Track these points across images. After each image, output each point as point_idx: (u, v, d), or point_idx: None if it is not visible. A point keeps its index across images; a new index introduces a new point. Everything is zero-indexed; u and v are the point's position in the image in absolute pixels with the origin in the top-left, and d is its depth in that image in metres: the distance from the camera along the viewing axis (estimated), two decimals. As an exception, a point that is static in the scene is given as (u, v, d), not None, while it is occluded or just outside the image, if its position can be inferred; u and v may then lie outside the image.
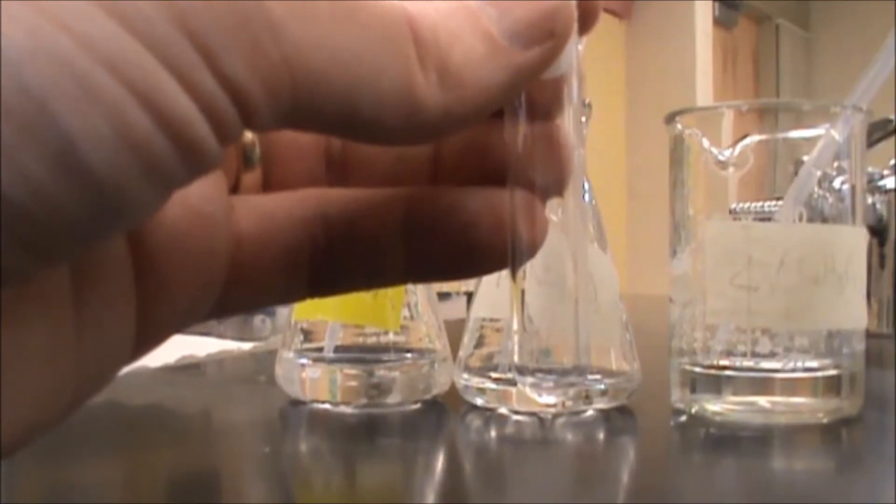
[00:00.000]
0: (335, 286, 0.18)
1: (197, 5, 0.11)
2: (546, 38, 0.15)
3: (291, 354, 0.42)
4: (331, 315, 0.41)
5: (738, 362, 0.37)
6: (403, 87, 0.13)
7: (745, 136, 0.38)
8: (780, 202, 0.37)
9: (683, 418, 0.39)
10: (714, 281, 0.37)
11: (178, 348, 0.57)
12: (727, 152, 0.38)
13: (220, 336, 0.67)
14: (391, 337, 0.42)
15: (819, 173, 0.37)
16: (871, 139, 0.46)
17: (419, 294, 0.43)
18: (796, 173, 0.38)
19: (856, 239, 0.38)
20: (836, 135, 0.37)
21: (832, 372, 0.37)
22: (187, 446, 0.37)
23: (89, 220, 0.11)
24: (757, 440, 0.36)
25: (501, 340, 0.41)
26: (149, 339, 0.16)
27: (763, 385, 0.37)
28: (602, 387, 0.39)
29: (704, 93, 2.86)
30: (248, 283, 0.17)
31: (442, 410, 0.41)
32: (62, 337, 0.14)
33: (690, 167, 0.40)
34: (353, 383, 0.40)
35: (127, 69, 0.11)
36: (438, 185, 0.18)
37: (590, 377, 0.38)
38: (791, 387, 0.37)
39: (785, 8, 3.59)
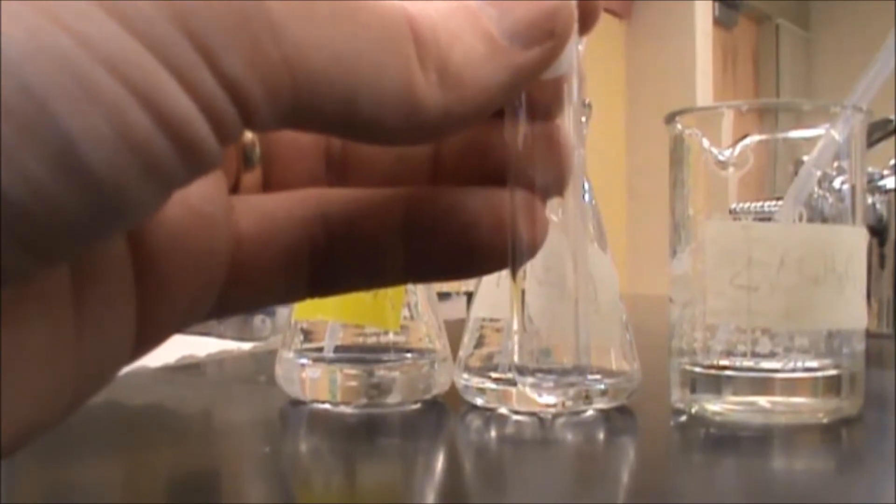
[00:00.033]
0: (335, 286, 0.18)
1: (197, 5, 0.11)
2: (546, 38, 0.15)
3: (291, 354, 0.42)
4: (331, 315, 0.41)
5: (738, 362, 0.37)
6: (403, 87, 0.13)
7: (745, 136, 0.38)
8: (780, 202, 0.37)
9: (683, 418, 0.39)
10: (714, 281, 0.37)
11: (178, 348, 0.57)
12: (727, 152, 0.38)
13: (220, 336, 0.67)
14: (391, 337, 0.42)
15: (819, 173, 0.37)
16: (871, 139, 0.46)
17: (419, 294, 0.43)
18: (796, 173, 0.38)
19: (856, 239, 0.38)
20: (836, 135, 0.37)
21: (832, 372, 0.37)
22: (187, 446, 0.37)
23: (89, 220, 0.11)
24: (757, 440, 0.36)
25: (501, 340, 0.41)
26: (149, 339, 0.16)
27: (763, 385, 0.37)
28: (602, 387, 0.39)
29: (704, 93, 2.86)
30: (248, 283, 0.17)
31: (442, 410, 0.41)
32: (62, 337, 0.14)
33: (690, 167, 0.40)
34: (353, 383, 0.40)
35: (127, 69, 0.11)
36: (438, 185, 0.18)
37: (590, 377, 0.38)
38: (791, 387, 0.37)
39: (785, 8, 3.59)
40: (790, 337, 0.37)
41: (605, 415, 0.39)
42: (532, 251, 0.17)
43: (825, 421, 0.37)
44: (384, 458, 0.35)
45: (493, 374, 0.40)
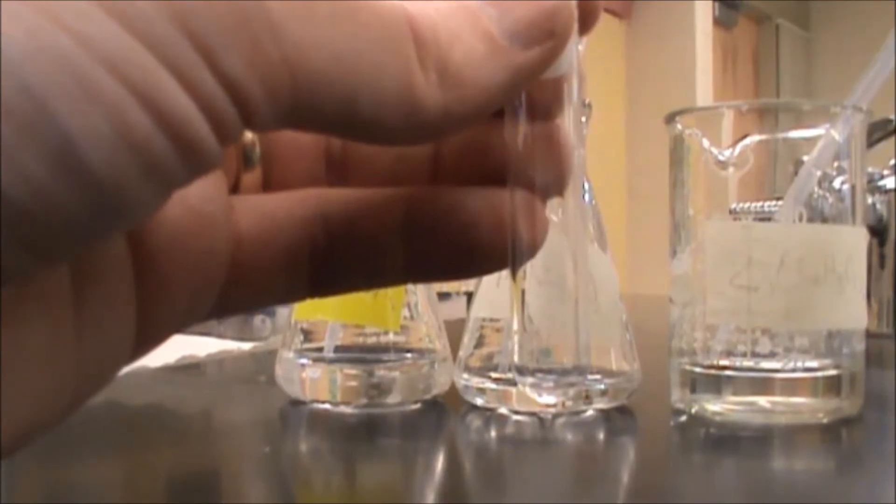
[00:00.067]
0: (335, 286, 0.18)
1: (197, 5, 0.11)
2: (546, 37, 0.15)
3: (291, 354, 0.42)
4: (331, 315, 0.41)
5: (738, 362, 0.37)
6: (403, 87, 0.13)
7: (745, 136, 0.38)
8: (780, 202, 0.37)
9: (683, 418, 0.39)
10: (714, 281, 0.37)
11: (178, 348, 0.57)
12: (727, 152, 0.38)
13: (220, 336, 0.67)
14: (391, 337, 0.42)
15: (819, 173, 0.37)
16: (871, 139, 0.46)
17: (419, 294, 0.43)
18: (796, 173, 0.38)
19: (856, 239, 0.38)
20: (836, 135, 0.37)
21: (832, 372, 0.37)
22: (187, 446, 0.37)
23: (89, 220, 0.11)
24: (757, 440, 0.36)
25: (501, 340, 0.41)
26: (149, 339, 0.16)
27: (763, 385, 0.37)
28: (602, 387, 0.39)
29: (704, 93, 2.86)
30: (248, 283, 0.17)
31: (442, 410, 0.41)
32: (62, 337, 0.14)
33: (690, 167, 0.40)
34: (353, 383, 0.40)
35: (127, 69, 0.11)
36: (438, 185, 0.18)
37: (590, 377, 0.38)
38: (791, 387, 0.37)
39: (785, 8, 3.59)
40: (790, 337, 0.37)
41: (605, 415, 0.39)
42: (532, 251, 0.17)
43: (825, 421, 0.37)
44: (384, 458, 0.35)
45: (493, 374, 0.40)
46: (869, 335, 0.39)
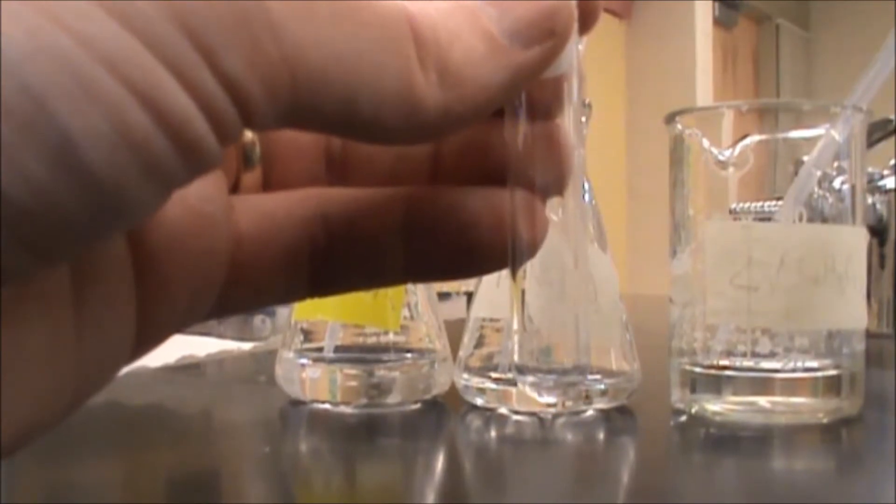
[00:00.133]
0: (335, 286, 0.18)
1: (197, 5, 0.11)
2: (546, 37, 0.15)
3: (291, 354, 0.42)
4: (331, 315, 0.41)
5: (738, 362, 0.37)
6: (403, 87, 0.13)
7: (745, 136, 0.38)
8: (780, 202, 0.37)
9: (683, 418, 0.39)
10: (714, 281, 0.37)
11: (178, 348, 0.57)
12: (727, 152, 0.38)
13: (220, 336, 0.67)
14: (391, 337, 0.42)
15: (819, 173, 0.37)
16: (871, 139, 0.46)
17: (419, 294, 0.43)
18: (796, 173, 0.38)
19: (856, 239, 0.38)
20: (836, 135, 0.37)
21: (832, 372, 0.37)
22: (187, 446, 0.37)
23: (89, 220, 0.11)
24: (757, 440, 0.36)
25: (501, 340, 0.41)
26: (149, 339, 0.16)
27: (763, 385, 0.37)
28: (602, 387, 0.39)
29: (704, 93, 2.86)
30: (248, 283, 0.17)
31: (442, 410, 0.41)
32: (62, 337, 0.14)
33: (690, 167, 0.40)
34: (353, 383, 0.40)
35: (127, 68, 0.11)
36: (438, 185, 0.18)
37: (590, 377, 0.38)
38: (791, 387, 0.37)
39: (785, 8, 3.59)
40: (790, 337, 0.37)
41: (605, 415, 0.39)
42: (532, 251, 0.17)
43: (825, 421, 0.37)
44: (384, 458, 0.35)
45: (493, 374, 0.40)
46: (869, 335, 0.39)
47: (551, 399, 0.36)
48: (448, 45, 0.14)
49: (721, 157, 0.38)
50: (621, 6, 2.90)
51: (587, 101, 0.40)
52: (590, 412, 0.39)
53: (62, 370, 0.14)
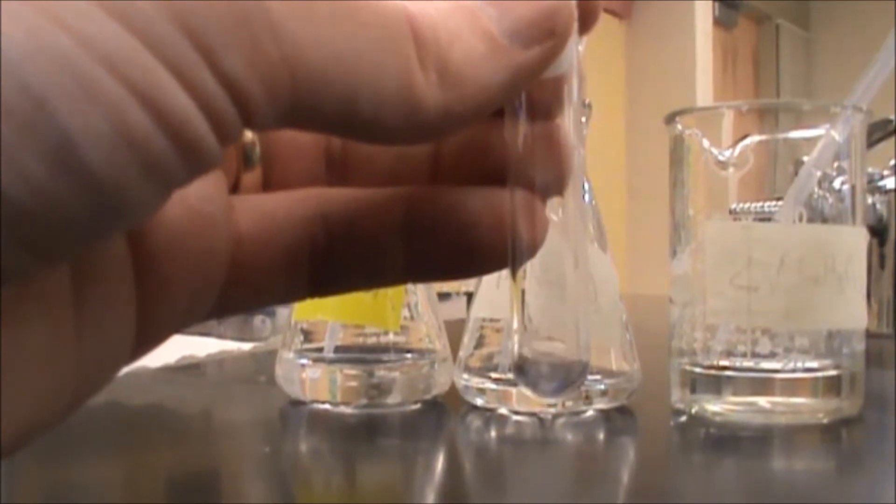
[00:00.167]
0: (335, 286, 0.18)
1: (197, 5, 0.11)
2: (546, 37, 0.15)
3: (291, 355, 0.42)
4: (331, 315, 0.41)
5: (738, 362, 0.37)
6: (403, 87, 0.13)
7: (745, 137, 0.38)
8: (780, 202, 0.37)
9: (683, 418, 0.39)
10: (714, 281, 0.37)
11: (178, 348, 0.57)
12: (727, 152, 0.38)
13: (220, 336, 0.67)
14: (391, 337, 0.42)
15: (819, 173, 0.37)
16: (871, 139, 0.46)
17: (419, 294, 0.43)
18: (796, 173, 0.38)
19: (856, 239, 0.38)
20: (836, 135, 0.37)
21: (832, 372, 0.37)
22: (187, 446, 0.37)
23: (89, 220, 0.11)
24: (757, 440, 0.36)
25: (501, 340, 0.41)
26: (149, 339, 0.16)
27: (763, 385, 0.37)
28: (602, 387, 0.39)
29: (704, 93, 2.86)
30: (248, 283, 0.17)
31: (442, 411, 0.41)
32: (62, 337, 0.14)
33: (690, 167, 0.40)
34: (353, 383, 0.40)
35: (126, 68, 0.11)
36: (438, 185, 0.18)
37: (590, 377, 0.38)
38: (791, 387, 0.37)
39: (785, 8, 3.59)
40: (790, 337, 0.37)
41: (605, 415, 0.39)
42: (532, 251, 0.17)
43: (825, 421, 0.37)
44: (384, 459, 0.35)
45: (493, 375, 0.40)
46: (869, 335, 0.39)
47: (551, 399, 0.36)
48: (448, 45, 0.14)
49: (721, 158, 0.38)
50: (621, 6, 2.90)
51: (587, 101, 0.40)
52: (590, 412, 0.39)
53: (62, 370, 0.14)
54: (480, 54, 0.14)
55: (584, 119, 0.41)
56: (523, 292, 0.17)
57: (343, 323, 0.42)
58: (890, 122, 0.65)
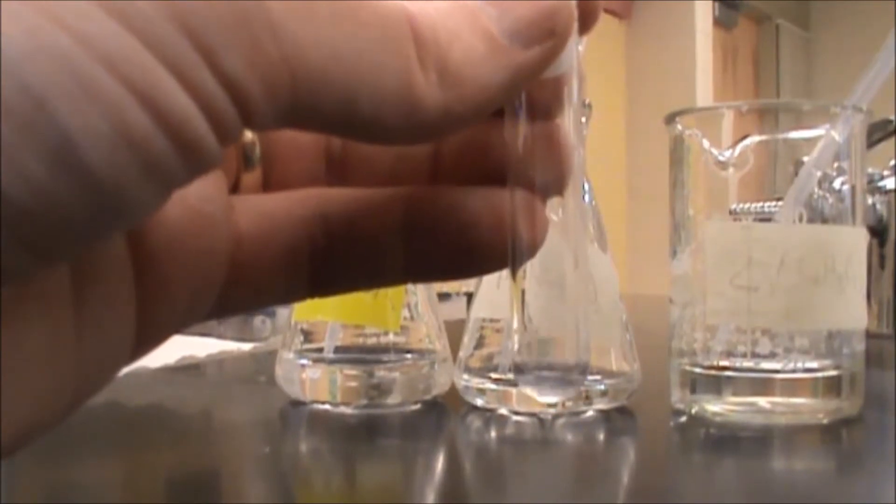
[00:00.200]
0: (335, 286, 0.18)
1: (197, 4, 0.11)
2: (546, 37, 0.15)
3: (291, 355, 0.42)
4: (331, 315, 0.41)
5: (738, 363, 0.37)
6: (403, 86, 0.13)
7: (745, 137, 0.38)
8: (780, 202, 0.37)
9: (683, 419, 0.39)
10: (714, 281, 0.37)
11: (178, 348, 0.57)
12: (727, 153, 0.38)
13: (220, 336, 0.66)
14: (391, 337, 0.42)
15: (819, 174, 0.37)
16: (871, 140, 0.46)
17: (419, 294, 0.43)
18: (796, 174, 0.38)
19: (856, 239, 0.38)
20: (836, 135, 0.37)
21: (832, 372, 0.37)
22: (187, 446, 0.37)
23: (89, 220, 0.11)
24: (757, 440, 0.36)
25: (501, 341, 0.41)
26: (149, 339, 0.16)
27: (763, 385, 0.37)
28: (602, 387, 0.39)
29: (704, 93, 2.86)
30: (248, 283, 0.17)
31: (442, 411, 0.41)
32: (62, 337, 0.14)
33: (690, 167, 0.40)
34: (354, 384, 0.40)
35: (126, 68, 0.11)
36: (438, 185, 0.18)
37: (590, 377, 0.38)
38: (791, 387, 0.37)
39: (785, 8, 3.60)
40: (790, 337, 0.37)
41: (605, 415, 0.39)
42: (532, 251, 0.17)
43: (825, 421, 0.37)
44: (384, 459, 0.35)
45: (494, 375, 0.40)
46: (869, 335, 0.39)
47: (551, 399, 0.36)
48: (448, 45, 0.14)
49: (721, 158, 0.38)
50: (621, 6, 2.90)
51: (587, 102, 0.40)
52: (590, 412, 0.39)
53: (62, 370, 0.14)
54: (480, 54, 0.14)
55: (584, 119, 0.41)
56: (523, 292, 0.17)
57: (343, 323, 0.42)
58: (890, 122, 0.65)
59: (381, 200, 0.18)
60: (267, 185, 0.18)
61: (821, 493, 0.30)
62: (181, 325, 0.17)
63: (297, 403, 0.42)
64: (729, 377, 0.37)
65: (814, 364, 0.37)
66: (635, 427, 0.39)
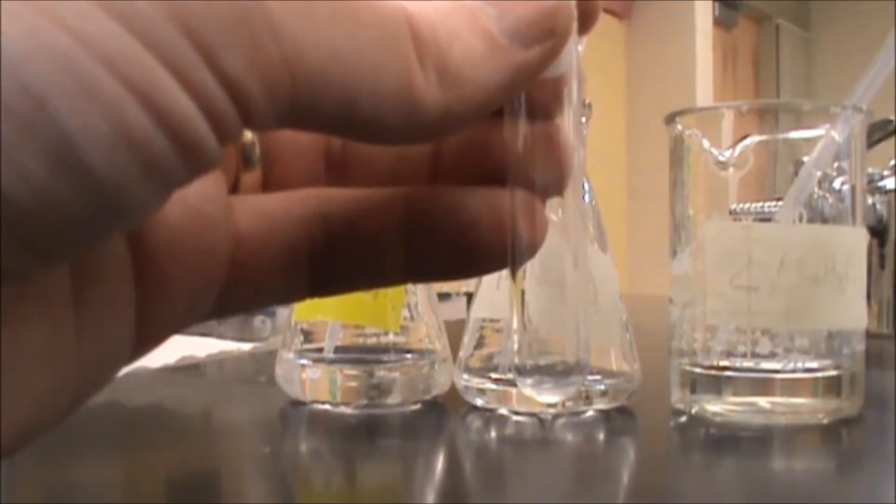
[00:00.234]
0: (335, 286, 0.18)
1: (197, 4, 0.11)
2: (546, 37, 0.15)
3: (291, 355, 0.42)
4: (331, 315, 0.41)
5: (738, 363, 0.37)
6: (403, 86, 0.13)
7: (745, 137, 0.38)
8: (780, 203, 0.37)
9: (683, 419, 0.39)
10: (714, 281, 0.37)
11: (178, 348, 0.57)
12: (727, 153, 0.38)
13: (220, 336, 0.66)
14: (391, 337, 0.42)
15: (819, 174, 0.37)
16: (871, 140, 0.46)
17: (419, 294, 0.43)
18: (796, 174, 0.38)
19: (856, 239, 0.38)
20: (836, 135, 0.37)
21: (832, 372, 0.37)
22: (187, 446, 0.37)
23: (89, 219, 0.11)
24: (757, 440, 0.36)
25: (501, 341, 0.41)
26: (149, 339, 0.16)
27: (763, 385, 0.37)
28: (602, 387, 0.39)
29: (704, 93, 2.86)
30: (248, 283, 0.17)
31: (442, 411, 0.41)
32: (62, 337, 0.14)
33: (690, 167, 0.40)
34: (354, 384, 0.40)
35: (126, 68, 0.11)
36: (438, 185, 0.18)
37: (590, 378, 0.38)
38: (791, 387, 0.37)
39: (785, 8, 3.60)
40: (790, 337, 0.37)
41: (605, 415, 0.39)
42: (532, 251, 0.17)
43: (825, 421, 0.37)
44: (384, 459, 0.35)
45: (494, 375, 0.40)
46: (869, 335, 0.39)
47: (551, 398, 0.36)
48: (447, 45, 0.14)
49: (721, 158, 0.38)
50: (621, 6, 2.90)
51: (587, 102, 0.40)
52: (590, 413, 0.39)
53: (62, 370, 0.14)
54: (480, 54, 0.14)
55: (584, 119, 0.41)
56: (523, 292, 0.17)
57: (343, 323, 0.42)
58: (890, 122, 0.65)
59: (380, 200, 0.18)
60: (267, 186, 0.18)
61: (821, 493, 0.30)
62: (181, 325, 0.17)
63: (297, 403, 0.42)
64: (729, 377, 0.37)
65: (814, 364, 0.37)
66: (635, 427, 0.39)
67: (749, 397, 0.37)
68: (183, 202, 0.15)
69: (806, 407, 0.37)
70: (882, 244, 0.69)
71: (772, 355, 0.37)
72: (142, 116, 0.11)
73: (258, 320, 0.72)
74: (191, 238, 0.16)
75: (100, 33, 0.11)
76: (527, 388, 0.18)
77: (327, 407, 0.40)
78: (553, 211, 0.17)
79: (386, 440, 0.38)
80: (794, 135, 0.39)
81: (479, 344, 0.41)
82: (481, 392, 0.40)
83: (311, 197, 0.18)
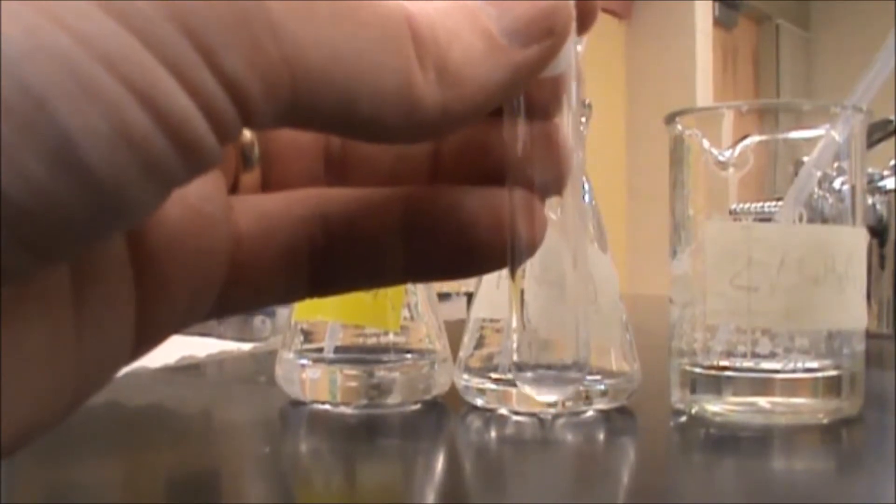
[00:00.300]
0: (335, 286, 0.18)
1: (197, 4, 0.11)
2: (545, 36, 0.15)
3: (291, 355, 0.42)
4: (331, 315, 0.41)
5: (738, 363, 0.37)
6: (402, 86, 0.13)
7: (745, 137, 0.38)
8: (780, 203, 0.37)
9: (683, 419, 0.39)
10: (714, 281, 0.37)
11: (178, 348, 0.57)
12: (727, 153, 0.38)
13: (220, 336, 0.66)
14: (391, 337, 0.42)
15: (819, 174, 0.37)
16: (871, 140, 0.46)
17: (419, 294, 0.43)
18: (796, 174, 0.38)
19: (856, 239, 0.38)
20: (836, 135, 0.37)
21: (832, 372, 0.37)
22: (187, 446, 0.37)
23: (89, 219, 0.11)
24: (757, 440, 0.36)
25: (501, 341, 0.41)
26: (149, 339, 0.16)
27: (763, 386, 0.37)
28: (602, 387, 0.39)
29: (704, 93, 2.87)
30: (248, 283, 0.17)
31: (442, 411, 0.41)
32: (62, 337, 0.14)
33: (690, 167, 0.40)
34: (353, 384, 0.40)
35: (126, 67, 0.11)
36: (438, 185, 0.18)
37: (590, 378, 0.38)
38: (791, 387, 0.37)
39: (785, 8, 3.60)
40: (790, 337, 0.37)
41: (605, 415, 0.39)
42: (531, 250, 0.17)
43: (825, 421, 0.37)
44: (384, 459, 0.35)
45: (494, 375, 0.40)
46: (869, 335, 0.39)
47: (551, 398, 0.36)
48: (447, 44, 0.14)
49: (721, 158, 0.38)
50: (621, 6, 2.90)
51: (587, 102, 0.40)
52: (590, 412, 0.39)
53: (62, 370, 0.14)
54: (479, 53, 0.14)
55: (584, 119, 0.41)
56: (522, 292, 0.17)
57: (343, 323, 0.42)
58: (890, 122, 0.65)
59: (380, 200, 0.18)
60: (266, 185, 0.18)
61: (821, 493, 0.30)
62: (181, 325, 0.17)
63: (297, 403, 0.42)
64: (729, 377, 0.37)
65: (814, 364, 0.37)
66: (635, 427, 0.39)
67: (749, 397, 0.37)
68: (183, 202, 0.15)
69: (806, 407, 0.37)
70: (882, 244, 0.69)
71: (772, 355, 0.37)
72: (141, 116, 0.11)
73: (258, 320, 0.72)
74: (191, 238, 0.16)
75: (99, 33, 0.11)
76: (526, 387, 0.18)
77: (327, 407, 0.40)
78: (552, 210, 0.17)
79: (386, 440, 0.38)
80: (794, 135, 0.39)
81: (479, 344, 0.41)
82: (481, 392, 0.40)
83: (310, 197, 0.18)
